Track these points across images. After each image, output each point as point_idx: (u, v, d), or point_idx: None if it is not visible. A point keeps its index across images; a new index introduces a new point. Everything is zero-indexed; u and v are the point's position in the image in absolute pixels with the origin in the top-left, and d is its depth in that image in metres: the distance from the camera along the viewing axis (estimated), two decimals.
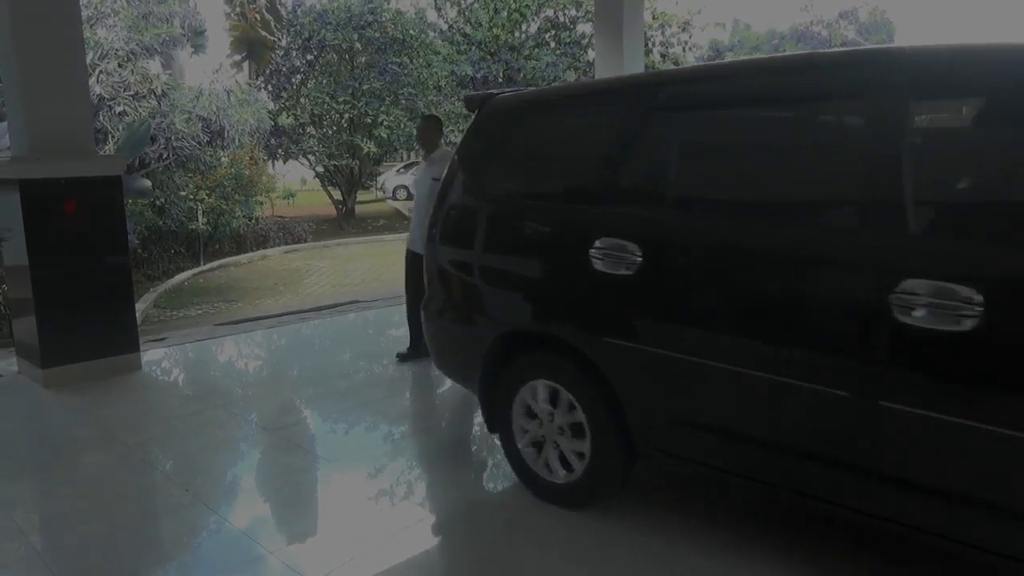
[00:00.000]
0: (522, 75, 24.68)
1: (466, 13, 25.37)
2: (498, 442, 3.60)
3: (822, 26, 35.06)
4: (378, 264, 14.81)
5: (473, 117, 3.74)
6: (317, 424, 4.73)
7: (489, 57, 24.61)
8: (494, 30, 24.62)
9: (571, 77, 25.09)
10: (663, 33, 25.71)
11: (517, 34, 25.30)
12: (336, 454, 4.10)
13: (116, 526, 3.32)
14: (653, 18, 24.23)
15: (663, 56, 25.70)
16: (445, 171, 4.84)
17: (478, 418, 4.39)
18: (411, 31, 20.84)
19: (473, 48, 24.19)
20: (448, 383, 5.28)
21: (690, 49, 27.30)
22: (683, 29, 25.87)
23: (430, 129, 5.71)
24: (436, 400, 5.16)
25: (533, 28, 25.99)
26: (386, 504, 3.54)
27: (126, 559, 3.07)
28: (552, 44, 25.88)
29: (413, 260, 5.42)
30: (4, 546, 3.23)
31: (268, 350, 6.82)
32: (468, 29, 25.02)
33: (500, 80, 24.65)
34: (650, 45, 24.27)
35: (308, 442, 4.33)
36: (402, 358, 5.73)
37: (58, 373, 5.21)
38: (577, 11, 25.40)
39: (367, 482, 3.75)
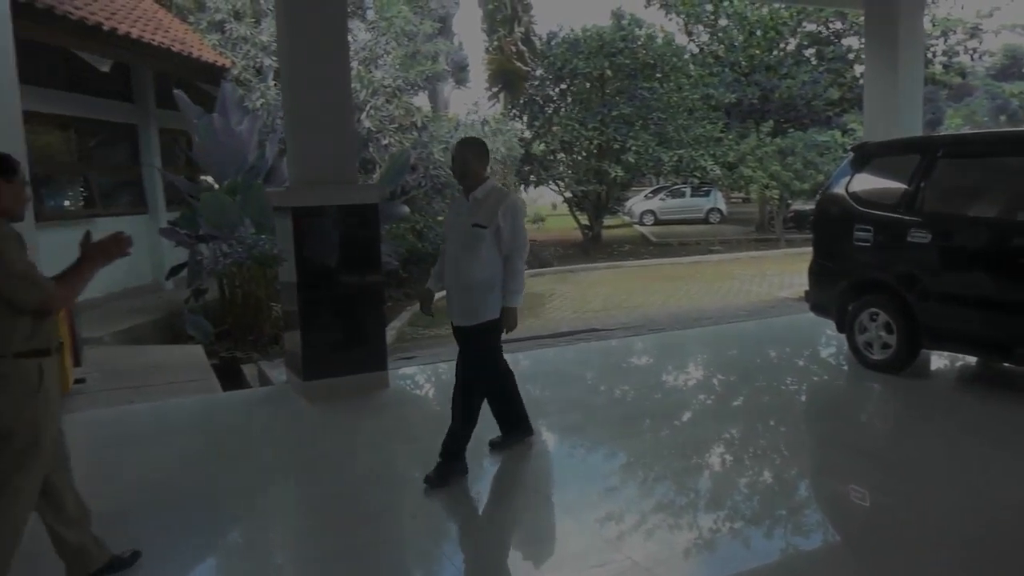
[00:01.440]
0: (777, 94, 23.42)
1: (719, 35, 24.64)
2: None
3: None
4: (620, 290, 14.66)
5: None
6: (549, 458, 4.59)
7: (743, 78, 23.66)
8: (750, 50, 23.64)
9: (835, 95, 23.35)
10: (945, 41, 23.10)
11: (774, 52, 24.07)
12: (567, 495, 3.92)
13: (351, 544, 3.41)
14: (932, 25, 21.83)
15: (945, 67, 23.06)
16: (500, 215, 3.89)
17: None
18: (663, 55, 20.62)
19: (725, 70, 23.38)
20: (694, 427, 4.95)
21: (979, 57, 24.29)
22: (971, 35, 23.06)
23: (473, 158, 3.99)
24: (668, 443, 4.82)
25: (791, 45, 24.59)
26: (617, 557, 3.29)
27: None
28: (813, 61, 24.29)
29: (462, 337, 4.14)
30: (249, 556, 3.43)
31: None
32: (721, 51, 24.26)
33: (754, 101, 23.59)
34: (930, 55, 21.89)
35: (536, 477, 4.21)
36: (494, 445, 4.44)
37: (316, 386, 5.59)
38: (842, 23, 23.62)
39: (598, 531, 3.52)
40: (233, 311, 9.54)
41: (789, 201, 22.78)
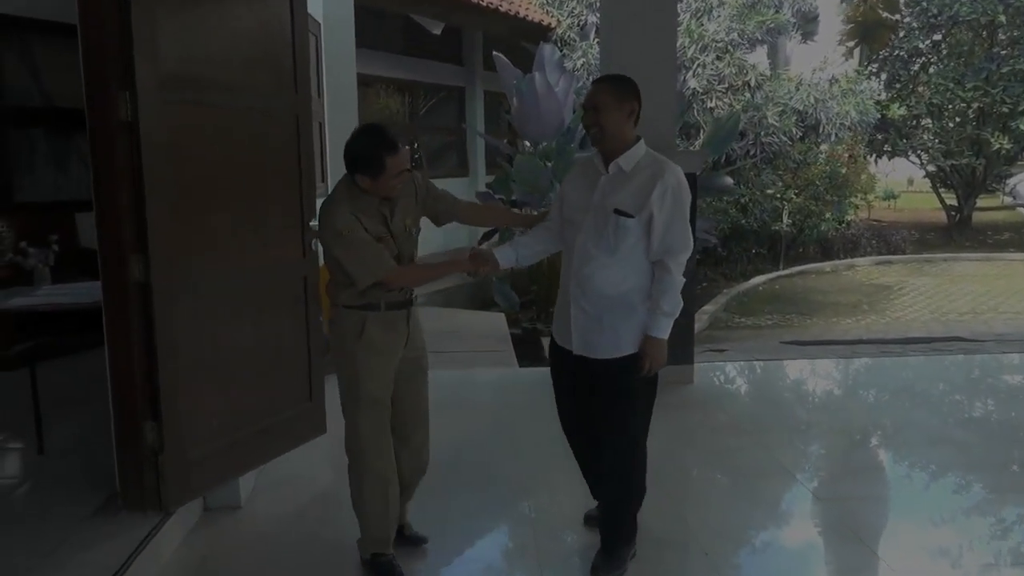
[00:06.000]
0: None
1: None
2: None
3: None
4: (997, 290, 11.94)
5: None
6: (885, 506, 3.56)
7: None
8: None
9: None
10: None
11: None
12: (906, 560, 2.94)
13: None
14: None
15: None
16: (656, 198, 2.54)
17: None
18: None
19: None
20: None
21: None
22: None
23: (612, 102, 2.63)
24: None
25: None
26: None
27: None
28: None
29: (571, 365, 2.79)
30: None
31: (839, 386, 5.59)
32: None
33: None
34: None
35: (868, 530, 3.23)
36: (589, 520, 3.19)
37: None
38: None
39: None
40: (539, 281, 9.33)
41: None
